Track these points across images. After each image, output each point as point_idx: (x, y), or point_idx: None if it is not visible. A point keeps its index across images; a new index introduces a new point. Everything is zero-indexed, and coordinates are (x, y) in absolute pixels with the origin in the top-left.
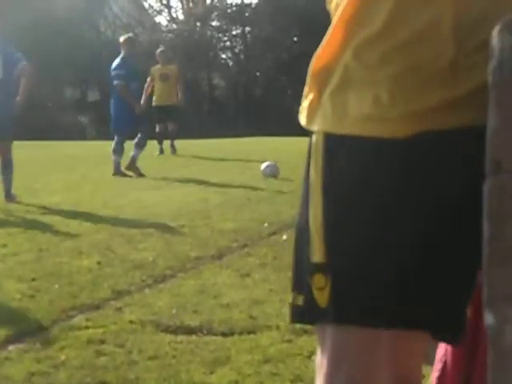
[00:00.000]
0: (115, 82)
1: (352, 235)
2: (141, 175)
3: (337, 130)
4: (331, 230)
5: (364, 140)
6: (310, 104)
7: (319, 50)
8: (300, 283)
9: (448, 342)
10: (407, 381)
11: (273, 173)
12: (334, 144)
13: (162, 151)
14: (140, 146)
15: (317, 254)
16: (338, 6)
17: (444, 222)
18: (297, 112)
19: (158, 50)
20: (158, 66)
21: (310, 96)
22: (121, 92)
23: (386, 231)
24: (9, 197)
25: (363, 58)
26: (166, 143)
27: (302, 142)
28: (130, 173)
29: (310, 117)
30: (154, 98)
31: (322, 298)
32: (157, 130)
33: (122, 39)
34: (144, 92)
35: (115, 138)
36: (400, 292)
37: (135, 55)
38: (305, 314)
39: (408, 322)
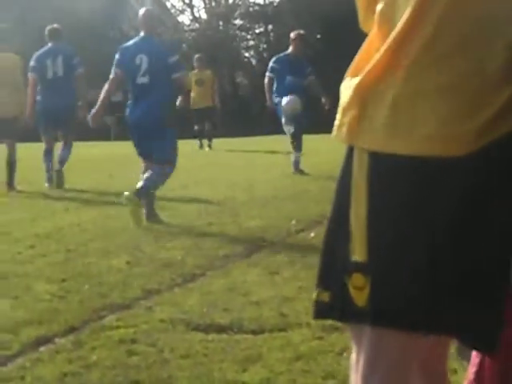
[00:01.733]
0: None
1: (398, 242)
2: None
3: (389, 148)
4: (376, 233)
5: (423, 159)
6: (352, 120)
7: (367, 69)
8: (328, 280)
9: (485, 350)
10: (437, 380)
11: (294, 106)
12: (384, 161)
13: (201, 146)
14: None
15: (358, 254)
16: (380, 27)
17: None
18: (322, 109)
19: (196, 56)
20: (195, 71)
21: (352, 112)
22: None
23: (439, 243)
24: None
25: (421, 79)
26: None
27: (327, 139)
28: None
29: (354, 133)
30: (191, 101)
31: (360, 297)
32: (195, 128)
33: None
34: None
35: None
36: (437, 299)
37: None
38: (334, 311)
39: (444, 328)
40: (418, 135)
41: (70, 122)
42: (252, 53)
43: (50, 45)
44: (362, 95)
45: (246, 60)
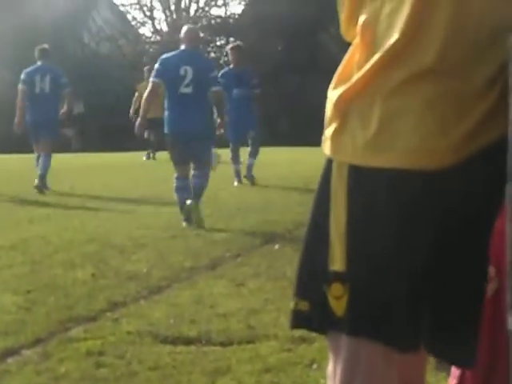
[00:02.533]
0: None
1: (376, 252)
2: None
3: (370, 163)
4: (355, 243)
5: (403, 172)
6: (334, 134)
7: (348, 85)
8: (307, 289)
9: (463, 366)
10: None
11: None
12: (364, 173)
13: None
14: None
15: (337, 263)
16: (362, 38)
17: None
18: (281, 122)
19: (146, 68)
20: (144, 83)
21: (334, 125)
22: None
23: (418, 255)
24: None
25: (407, 93)
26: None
27: (287, 152)
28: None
29: (335, 147)
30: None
31: (339, 306)
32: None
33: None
34: (132, 106)
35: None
36: (413, 313)
37: None
38: (312, 321)
39: (418, 345)
40: (399, 149)
41: (50, 134)
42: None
43: (39, 63)
44: (343, 109)
45: None
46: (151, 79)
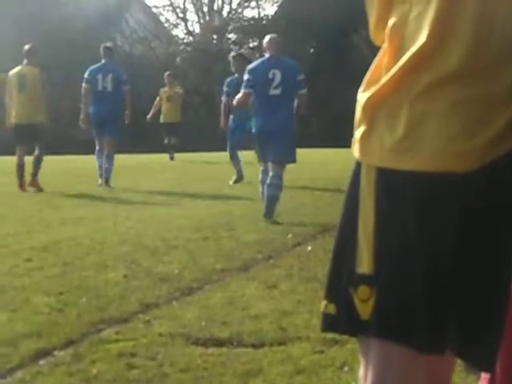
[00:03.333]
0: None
1: (403, 256)
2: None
3: (396, 165)
4: (382, 246)
5: (430, 175)
6: (362, 137)
7: (376, 88)
8: (335, 292)
9: (485, 369)
10: None
11: None
12: (391, 176)
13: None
14: None
15: (364, 266)
16: (391, 42)
17: (502, 243)
18: (312, 123)
19: (166, 73)
20: (166, 89)
21: (362, 128)
22: None
23: (444, 259)
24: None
25: (433, 97)
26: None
27: (318, 153)
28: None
29: (363, 149)
30: (161, 116)
31: (365, 309)
32: (165, 142)
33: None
34: (152, 109)
35: None
36: (439, 316)
37: None
38: (340, 324)
39: (444, 347)
40: (425, 152)
41: (113, 131)
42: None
43: (102, 61)
44: (371, 112)
45: None
46: (243, 90)
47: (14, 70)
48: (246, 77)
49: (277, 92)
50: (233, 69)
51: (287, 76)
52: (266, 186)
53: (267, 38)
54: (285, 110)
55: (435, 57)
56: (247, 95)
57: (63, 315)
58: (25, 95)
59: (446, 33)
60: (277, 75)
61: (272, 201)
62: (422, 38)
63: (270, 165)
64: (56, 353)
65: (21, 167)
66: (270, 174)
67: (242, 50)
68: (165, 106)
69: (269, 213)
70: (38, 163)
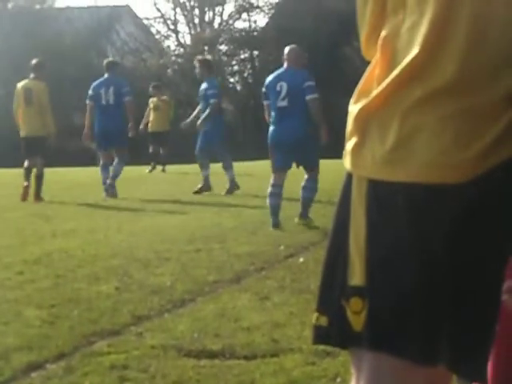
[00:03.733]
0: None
1: (394, 267)
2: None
3: (387, 177)
4: (374, 257)
5: (422, 186)
6: (353, 149)
7: (368, 99)
8: (327, 304)
9: (474, 378)
10: None
11: None
12: (382, 187)
13: (152, 169)
14: None
15: (356, 278)
16: (382, 53)
17: (498, 258)
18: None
19: (153, 84)
20: (154, 99)
21: (353, 139)
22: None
23: (436, 269)
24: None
25: (424, 110)
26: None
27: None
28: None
29: (354, 161)
30: (149, 125)
31: (358, 321)
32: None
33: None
34: (143, 119)
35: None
36: (431, 328)
37: None
38: (332, 336)
39: (436, 360)
40: (416, 164)
41: (120, 141)
42: (237, 78)
43: (105, 75)
44: (362, 124)
45: (230, 86)
46: (264, 102)
47: (20, 83)
48: (263, 89)
49: (284, 104)
50: (198, 73)
51: (293, 86)
52: (301, 189)
53: (287, 49)
54: (294, 119)
55: (427, 69)
56: (266, 107)
57: (55, 328)
58: (31, 109)
59: (438, 45)
60: (283, 87)
61: (307, 202)
62: (415, 49)
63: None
64: (48, 366)
65: (29, 171)
66: (305, 177)
67: (207, 56)
68: (152, 115)
69: (304, 214)
70: (40, 181)
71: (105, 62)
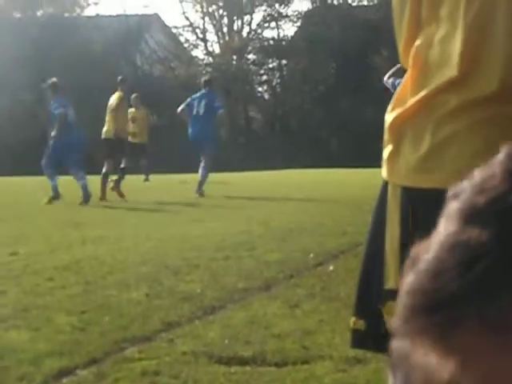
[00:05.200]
0: None
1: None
2: None
3: (421, 184)
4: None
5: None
6: (389, 157)
7: (402, 109)
8: (364, 309)
9: None
10: None
11: None
12: (416, 194)
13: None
14: None
15: (391, 281)
16: (414, 63)
17: None
18: (332, 143)
19: (133, 96)
20: (132, 110)
21: (389, 148)
22: None
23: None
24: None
25: (457, 119)
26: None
27: (338, 173)
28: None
29: (390, 169)
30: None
31: None
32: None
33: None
34: None
35: None
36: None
37: None
38: (369, 340)
39: None
40: (447, 170)
41: (208, 149)
42: (265, 87)
43: (202, 91)
44: (397, 133)
45: (259, 94)
46: None
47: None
48: None
49: None
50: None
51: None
52: None
53: None
54: None
55: (463, 84)
56: None
57: (86, 334)
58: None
59: (474, 64)
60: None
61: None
62: (451, 69)
63: None
64: (79, 372)
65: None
66: None
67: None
68: (130, 126)
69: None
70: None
71: (203, 79)
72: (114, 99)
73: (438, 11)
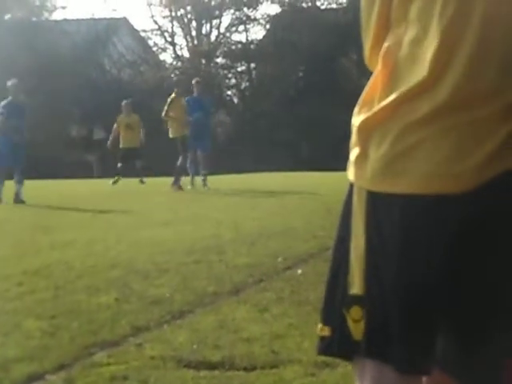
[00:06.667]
0: None
1: (391, 276)
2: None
3: (387, 188)
4: (371, 266)
5: (419, 197)
6: (355, 160)
7: (370, 112)
8: (329, 314)
9: None
10: None
11: None
12: (382, 198)
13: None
14: None
15: (356, 287)
16: (384, 65)
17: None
18: (302, 147)
19: (124, 102)
20: (123, 116)
21: (356, 150)
22: None
23: (433, 280)
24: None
25: (427, 124)
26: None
27: (308, 177)
28: None
29: (356, 173)
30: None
31: (358, 330)
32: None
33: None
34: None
35: None
36: (425, 339)
37: None
38: (334, 346)
39: (428, 368)
40: (413, 175)
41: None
42: (234, 91)
43: (194, 95)
44: (364, 136)
45: (228, 98)
46: None
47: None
48: None
49: None
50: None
51: None
52: None
53: None
54: None
55: (434, 88)
56: None
57: (55, 339)
58: None
59: (444, 67)
60: None
61: None
62: (422, 72)
63: None
64: (48, 377)
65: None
66: None
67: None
68: (124, 132)
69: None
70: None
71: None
72: None
73: (407, 12)
